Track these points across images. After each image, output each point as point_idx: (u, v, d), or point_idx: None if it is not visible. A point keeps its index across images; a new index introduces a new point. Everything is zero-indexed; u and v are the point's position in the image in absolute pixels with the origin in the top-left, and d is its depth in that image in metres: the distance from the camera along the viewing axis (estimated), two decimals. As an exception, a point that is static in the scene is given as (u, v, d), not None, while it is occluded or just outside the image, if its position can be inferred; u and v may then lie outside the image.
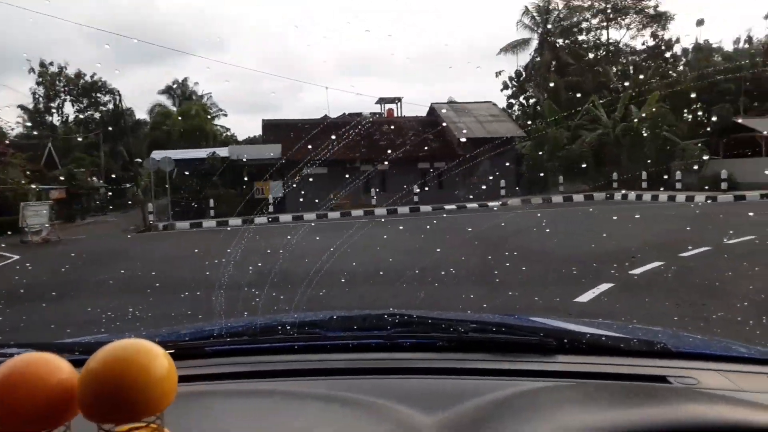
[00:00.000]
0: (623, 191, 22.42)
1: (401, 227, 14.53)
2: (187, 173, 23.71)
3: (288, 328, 1.41)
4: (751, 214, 13.20)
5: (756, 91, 29.09)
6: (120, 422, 0.62)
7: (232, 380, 1.09)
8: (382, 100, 32.03)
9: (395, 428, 0.86)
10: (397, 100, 32.06)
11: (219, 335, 1.40)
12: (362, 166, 23.98)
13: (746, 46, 33.80)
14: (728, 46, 34.75)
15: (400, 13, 78.60)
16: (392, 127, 26.76)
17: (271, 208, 21.86)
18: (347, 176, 21.80)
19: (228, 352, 1.25)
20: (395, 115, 31.25)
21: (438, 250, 10.10)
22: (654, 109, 24.48)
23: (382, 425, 0.87)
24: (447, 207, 21.27)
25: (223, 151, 26.12)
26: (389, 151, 24.32)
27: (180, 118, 40.06)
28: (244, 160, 24.17)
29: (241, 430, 0.89)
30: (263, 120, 28.47)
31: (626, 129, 25.41)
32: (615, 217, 14.01)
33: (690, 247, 8.33)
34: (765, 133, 22.38)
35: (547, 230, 12.10)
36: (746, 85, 28.72)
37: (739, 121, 24.20)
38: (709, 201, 18.38)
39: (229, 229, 18.66)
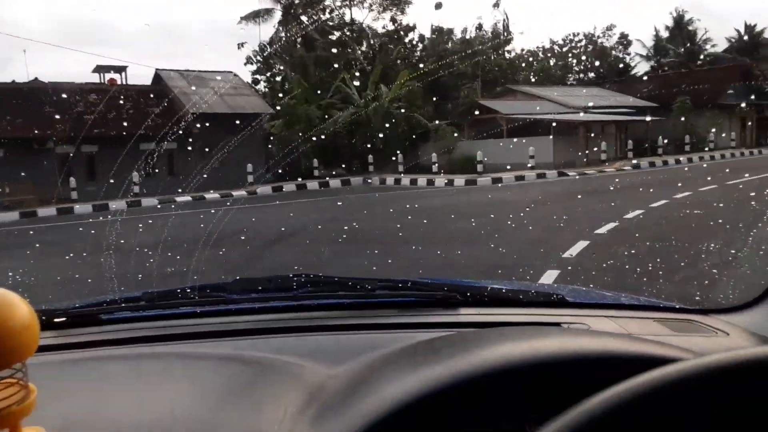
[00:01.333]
0: (382, 175, 20.77)
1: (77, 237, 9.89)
2: None
3: (189, 292, 1.33)
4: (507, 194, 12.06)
5: (489, 75, 30.57)
6: None
7: (128, 345, 1.04)
8: (100, 68, 25.52)
9: (299, 382, 0.86)
10: (121, 69, 25.90)
11: (114, 302, 1.32)
12: (58, 147, 17.89)
13: (476, 33, 35.79)
14: (459, 34, 36.70)
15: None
16: (98, 96, 20.75)
17: None
18: (36, 161, 15.76)
19: (125, 319, 1.20)
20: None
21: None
22: (403, 90, 23.48)
23: (286, 380, 0.87)
24: (179, 199, 16.80)
25: None
26: (98, 130, 18.55)
27: None
28: None
29: (132, 392, 0.87)
30: None
31: (378, 108, 23.99)
32: (392, 210, 11.59)
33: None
34: (504, 113, 22.91)
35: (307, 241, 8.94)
36: (479, 71, 30.00)
37: (482, 102, 24.55)
38: (468, 185, 17.54)
39: None
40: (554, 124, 22.18)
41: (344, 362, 0.90)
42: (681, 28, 45.55)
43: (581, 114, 24.89)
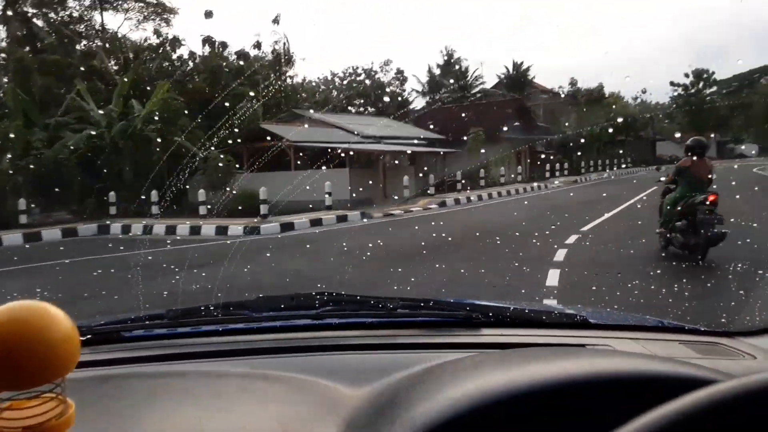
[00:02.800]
0: (127, 220, 15.08)
1: None
2: None
3: (212, 309, 1.33)
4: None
5: (272, 99, 26.55)
6: (13, 388, 0.57)
7: (151, 363, 1.04)
8: None
9: (319, 402, 0.85)
10: None
11: (137, 319, 1.33)
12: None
13: (256, 51, 31.65)
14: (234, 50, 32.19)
15: None
16: None
17: None
18: None
19: (147, 337, 1.20)
20: None
21: None
22: (161, 105, 18.17)
23: (306, 400, 0.86)
24: None
25: None
26: None
27: None
28: None
29: (155, 410, 0.86)
30: None
31: (126, 128, 18.23)
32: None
33: None
34: (293, 140, 18.97)
35: None
36: (260, 92, 25.80)
37: (265, 127, 20.32)
38: (248, 233, 12.99)
39: None
40: (351, 153, 18.95)
41: (368, 382, 0.89)
42: (451, 65, 47.56)
43: (381, 144, 22.17)
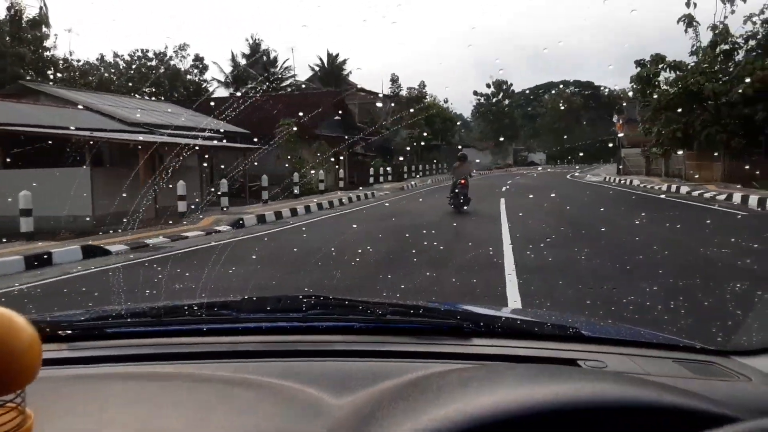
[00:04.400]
0: None
1: None
2: None
3: (196, 309, 1.31)
4: None
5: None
6: None
7: (132, 362, 1.02)
8: None
9: (300, 411, 0.84)
10: None
11: (120, 315, 1.31)
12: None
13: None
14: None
15: None
16: None
17: None
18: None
19: (130, 334, 1.18)
20: None
21: None
22: None
23: (287, 408, 0.85)
24: None
25: None
26: None
27: None
28: None
29: (132, 415, 0.83)
30: None
31: None
32: None
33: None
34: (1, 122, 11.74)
35: None
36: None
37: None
38: None
39: None
40: (96, 145, 12.34)
41: (352, 391, 0.88)
42: (258, 54, 41.80)
43: (158, 135, 15.70)
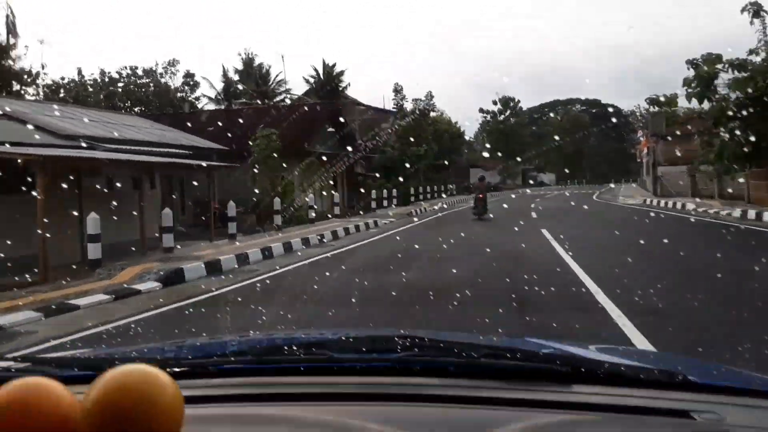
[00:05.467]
0: None
1: None
2: None
3: (294, 347, 1.35)
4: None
5: None
6: None
7: (236, 403, 1.04)
8: None
9: None
10: None
11: (223, 354, 1.35)
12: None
13: None
14: None
15: None
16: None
17: None
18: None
19: (232, 372, 1.18)
20: None
21: None
22: None
23: None
24: None
25: None
26: None
27: None
28: None
29: None
30: None
31: None
32: None
33: None
34: None
35: None
36: None
37: None
38: None
39: None
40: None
41: None
42: (252, 69, 38.27)
43: (109, 151, 11.88)
